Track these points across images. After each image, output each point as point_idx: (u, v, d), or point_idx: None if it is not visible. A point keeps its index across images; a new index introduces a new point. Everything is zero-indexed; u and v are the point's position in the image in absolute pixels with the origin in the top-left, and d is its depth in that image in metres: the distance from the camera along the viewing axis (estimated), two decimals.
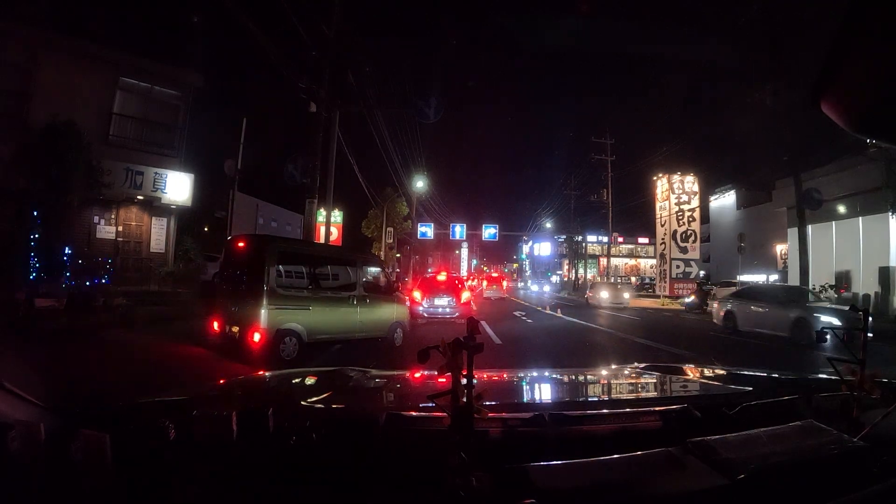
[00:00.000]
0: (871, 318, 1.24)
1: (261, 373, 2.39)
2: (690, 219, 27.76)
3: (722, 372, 2.04)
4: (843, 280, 16.93)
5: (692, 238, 27.61)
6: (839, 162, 16.17)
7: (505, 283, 36.17)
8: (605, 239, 33.43)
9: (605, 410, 1.29)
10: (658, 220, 28.74)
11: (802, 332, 8.98)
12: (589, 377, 2.32)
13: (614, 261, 37.14)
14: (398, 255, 30.75)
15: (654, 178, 28.81)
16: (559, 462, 0.91)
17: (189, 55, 14.93)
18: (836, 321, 8.82)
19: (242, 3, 7.77)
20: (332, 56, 10.40)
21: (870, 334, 1.20)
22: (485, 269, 69.83)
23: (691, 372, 2.10)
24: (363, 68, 12.30)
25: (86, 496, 0.90)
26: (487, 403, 0.93)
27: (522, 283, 51.16)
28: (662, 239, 28.38)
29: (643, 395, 1.85)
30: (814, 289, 15.51)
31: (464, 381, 0.87)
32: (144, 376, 4.23)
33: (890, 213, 13.80)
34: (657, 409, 1.25)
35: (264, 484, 0.92)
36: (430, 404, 0.94)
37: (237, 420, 0.98)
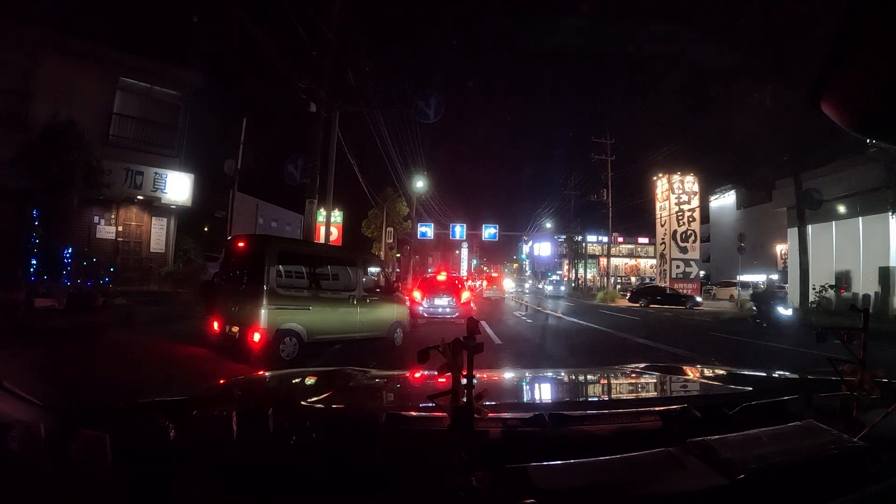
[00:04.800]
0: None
1: (261, 373, 2.39)
2: (690, 219, 27.78)
3: (722, 372, 2.04)
4: (843, 280, 16.93)
5: (692, 238, 27.63)
6: (839, 162, 16.18)
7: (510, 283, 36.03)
8: (605, 239, 33.42)
9: (605, 410, 1.29)
10: (658, 220, 28.76)
11: None
12: (589, 377, 2.32)
13: (614, 261, 37.13)
14: (398, 255, 30.73)
15: (654, 178, 28.85)
16: (559, 462, 0.91)
17: (189, 55, 14.92)
18: None
19: (242, 3, 7.78)
20: (332, 56, 10.40)
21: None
22: (485, 269, 69.79)
23: (691, 372, 2.09)
24: (363, 68, 12.32)
25: (86, 496, 0.90)
26: (487, 403, 0.93)
27: (527, 285, 47.93)
28: (662, 239, 28.40)
29: (643, 395, 1.85)
30: (814, 288, 15.55)
31: (464, 381, 0.87)
32: (144, 376, 4.23)
33: (890, 213, 13.80)
34: (657, 409, 1.25)
35: (264, 484, 0.92)
36: (430, 404, 0.94)
37: (237, 420, 0.98)
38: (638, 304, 22.22)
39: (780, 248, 26.86)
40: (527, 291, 39.97)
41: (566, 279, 43.46)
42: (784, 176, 18.37)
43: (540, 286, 41.24)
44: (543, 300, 26.12)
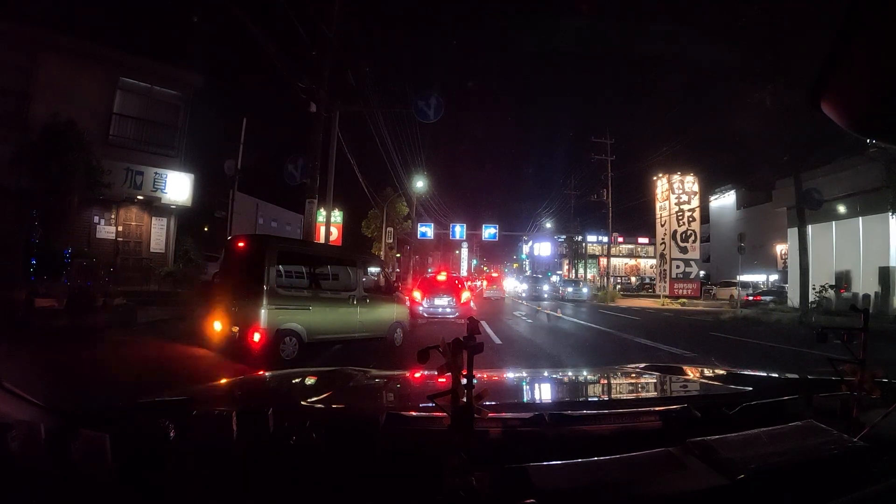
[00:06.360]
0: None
1: (261, 373, 2.39)
2: (690, 219, 27.79)
3: (722, 372, 2.04)
4: (843, 280, 16.92)
5: (692, 238, 27.65)
6: (839, 162, 16.18)
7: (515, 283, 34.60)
8: (605, 239, 33.33)
9: (605, 410, 1.29)
10: (658, 220, 28.77)
11: None
12: (589, 377, 2.32)
13: (614, 261, 37.08)
14: (398, 255, 30.74)
15: (654, 178, 28.86)
16: (559, 462, 0.91)
17: (189, 55, 14.94)
18: None
19: (242, 3, 7.78)
20: (332, 56, 10.40)
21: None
22: (485, 269, 69.80)
23: (691, 372, 2.09)
24: (363, 68, 12.32)
25: (86, 496, 0.90)
26: (487, 403, 0.93)
27: (546, 287, 32.31)
28: (662, 239, 28.41)
29: (643, 395, 1.85)
30: (814, 288, 15.54)
31: (464, 381, 0.87)
32: (144, 376, 4.23)
33: (890, 213, 13.79)
34: (657, 409, 1.25)
35: (264, 484, 0.92)
36: (430, 404, 0.94)
37: (237, 420, 0.98)
38: None
39: (780, 248, 26.88)
40: (545, 296, 29.15)
41: (574, 280, 39.34)
42: (784, 176, 18.37)
43: (543, 287, 32.22)
44: (553, 304, 23.44)
